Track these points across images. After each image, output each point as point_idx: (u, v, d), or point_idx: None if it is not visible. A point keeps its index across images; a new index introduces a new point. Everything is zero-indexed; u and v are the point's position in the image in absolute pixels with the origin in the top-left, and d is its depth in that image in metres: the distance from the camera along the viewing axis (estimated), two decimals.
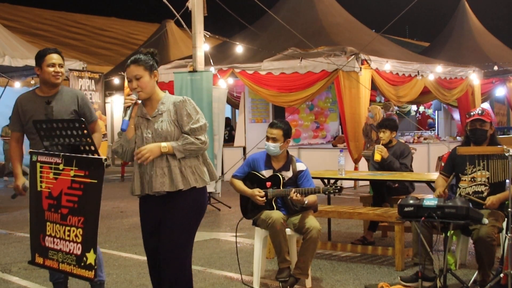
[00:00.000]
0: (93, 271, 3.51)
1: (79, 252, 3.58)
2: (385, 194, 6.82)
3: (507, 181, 4.94)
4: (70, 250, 3.62)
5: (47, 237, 3.77)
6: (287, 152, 5.23)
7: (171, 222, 3.77)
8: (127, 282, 5.35)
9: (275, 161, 5.18)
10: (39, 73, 4.38)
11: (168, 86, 12.82)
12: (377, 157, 6.78)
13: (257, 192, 5.01)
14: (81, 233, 3.58)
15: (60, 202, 3.70)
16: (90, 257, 3.52)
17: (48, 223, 3.76)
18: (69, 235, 3.63)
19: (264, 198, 5.01)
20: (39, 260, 3.84)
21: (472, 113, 5.13)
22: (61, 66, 4.38)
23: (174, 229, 3.76)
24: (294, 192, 4.87)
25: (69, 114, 4.38)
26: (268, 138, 5.12)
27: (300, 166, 5.19)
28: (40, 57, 4.38)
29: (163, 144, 3.67)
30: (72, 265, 3.61)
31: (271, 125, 5.15)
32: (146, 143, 3.73)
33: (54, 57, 4.36)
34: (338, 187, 4.96)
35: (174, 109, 3.74)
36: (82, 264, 3.56)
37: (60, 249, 3.69)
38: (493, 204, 4.91)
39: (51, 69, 4.33)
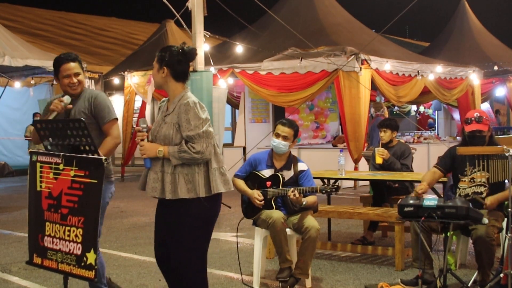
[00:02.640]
0: (93, 271, 3.51)
1: (79, 252, 3.57)
2: (385, 194, 6.82)
3: (506, 181, 4.94)
4: (70, 250, 3.62)
5: (46, 237, 3.76)
6: (289, 152, 5.25)
7: (176, 235, 3.66)
8: (127, 282, 5.35)
9: (277, 160, 5.19)
10: (58, 83, 4.26)
11: None
12: (379, 160, 6.77)
13: (256, 195, 5.01)
14: (81, 233, 3.58)
15: (60, 202, 3.70)
16: (91, 257, 3.52)
17: (47, 223, 3.75)
18: (69, 235, 3.63)
19: (262, 202, 5.01)
20: (37, 260, 3.83)
21: (470, 120, 5.10)
22: (77, 74, 4.21)
23: (179, 244, 3.66)
24: (292, 192, 4.88)
25: (83, 116, 4.21)
26: (278, 136, 5.12)
27: (301, 166, 5.20)
28: (56, 68, 4.24)
29: (160, 148, 3.61)
30: (72, 265, 3.61)
31: (283, 124, 5.15)
32: (156, 142, 3.70)
33: (68, 67, 4.19)
34: (336, 186, 4.97)
35: (178, 111, 3.64)
36: (82, 264, 3.55)
37: (59, 249, 3.68)
38: (492, 204, 4.92)
39: (67, 80, 4.20)
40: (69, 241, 3.62)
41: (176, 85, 3.75)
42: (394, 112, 17.51)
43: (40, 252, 3.80)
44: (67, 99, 4.18)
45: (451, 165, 5.24)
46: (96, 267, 3.51)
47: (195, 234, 3.68)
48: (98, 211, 3.58)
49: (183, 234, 3.66)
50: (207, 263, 3.83)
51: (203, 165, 3.64)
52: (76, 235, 3.59)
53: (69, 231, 3.63)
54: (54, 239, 3.71)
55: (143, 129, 3.72)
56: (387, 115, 11.95)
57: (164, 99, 3.94)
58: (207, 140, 3.60)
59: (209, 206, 3.68)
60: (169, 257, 3.73)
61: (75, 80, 4.21)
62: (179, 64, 3.71)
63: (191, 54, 3.74)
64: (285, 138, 5.09)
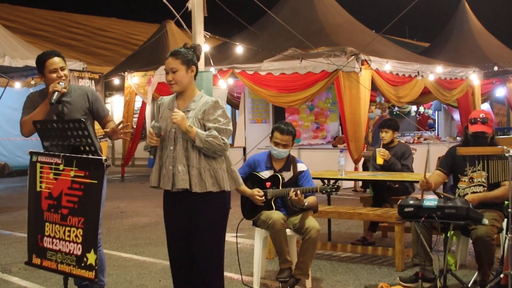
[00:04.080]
0: (94, 271, 3.51)
1: (79, 253, 3.58)
2: (385, 194, 6.82)
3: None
4: (70, 250, 3.62)
5: (45, 238, 3.76)
6: (289, 153, 5.25)
7: (200, 229, 3.71)
8: (127, 283, 5.35)
9: (276, 162, 5.19)
10: (43, 80, 4.20)
11: (168, 87, 12.80)
12: (380, 161, 6.77)
13: (256, 192, 5.02)
14: (81, 233, 3.58)
15: (60, 203, 3.70)
16: (91, 258, 3.53)
17: (47, 224, 3.76)
18: (69, 236, 3.63)
19: (263, 198, 5.01)
20: (36, 261, 3.83)
21: (475, 120, 5.09)
22: (63, 69, 4.19)
23: (204, 238, 3.72)
24: (293, 192, 4.88)
25: (81, 113, 4.22)
26: (277, 144, 5.09)
27: (300, 167, 5.20)
28: (40, 64, 4.19)
29: (190, 126, 3.62)
30: (72, 266, 3.61)
31: (281, 131, 5.08)
32: (169, 137, 3.72)
33: (53, 62, 4.16)
34: (336, 186, 4.97)
35: (203, 109, 3.71)
36: (83, 264, 3.56)
37: (59, 249, 3.69)
38: (473, 199, 4.88)
39: (54, 75, 4.15)
40: (69, 242, 3.63)
41: (194, 84, 3.87)
42: (394, 113, 17.51)
43: (40, 252, 3.80)
44: (62, 83, 4.13)
45: (452, 164, 5.25)
46: (96, 267, 3.52)
47: (216, 227, 3.76)
48: (98, 212, 3.59)
49: (205, 227, 3.71)
50: (224, 260, 3.87)
51: (224, 162, 3.76)
52: (76, 236, 3.60)
53: (69, 231, 3.64)
54: (54, 240, 3.72)
55: (155, 134, 3.71)
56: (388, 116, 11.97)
57: (163, 97, 3.97)
58: (229, 138, 3.77)
59: (226, 201, 3.81)
60: (188, 252, 3.76)
61: (61, 73, 4.17)
62: (197, 62, 3.86)
63: (200, 51, 3.90)
64: (285, 146, 5.10)
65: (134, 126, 15.31)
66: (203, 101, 3.76)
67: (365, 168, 11.00)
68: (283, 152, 5.11)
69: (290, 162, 5.21)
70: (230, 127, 3.75)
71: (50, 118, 4.16)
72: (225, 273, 5.51)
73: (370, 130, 11.24)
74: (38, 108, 4.14)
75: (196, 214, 3.72)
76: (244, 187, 5.15)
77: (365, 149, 11.41)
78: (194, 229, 3.73)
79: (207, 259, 3.73)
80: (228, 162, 3.79)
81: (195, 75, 3.85)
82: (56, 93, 4.06)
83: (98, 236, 3.60)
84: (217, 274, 3.79)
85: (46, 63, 4.18)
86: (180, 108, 3.77)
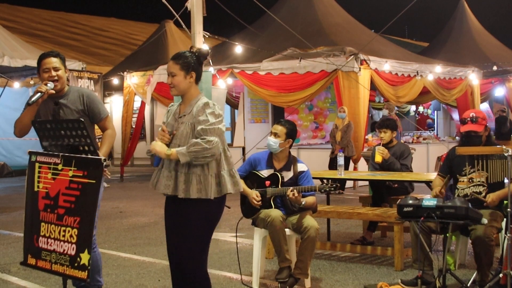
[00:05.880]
0: (86, 271, 3.50)
1: (73, 253, 3.56)
2: (384, 194, 6.82)
3: (506, 180, 4.94)
4: (64, 250, 3.61)
5: (41, 238, 3.75)
6: (289, 152, 5.25)
7: (182, 233, 3.72)
8: (126, 282, 5.35)
9: (276, 161, 5.20)
10: (40, 79, 4.27)
11: (167, 87, 12.82)
12: (378, 158, 6.76)
13: (254, 195, 5.02)
14: (76, 233, 3.57)
15: (57, 202, 3.69)
16: (84, 258, 3.51)
17: (42, 224, 3.74)
18: (64, 235, 3.62)
19: (260, 202, 5.02)
20: (32, 261, 3.81)
21: (465, 120, 5.12)
22: (57, 69, 4.21)
23: (183, 242, 3.71)
24: (291, 191, 4.88)
25: (76, 115, 4.22)
26: (271, 133, 5.18)
27: (301, 167, 5.20)
28: (38, 63, 4.28)
29: (168, 151, 3.63)
30: (65, 266, 3.59)
31: (277, 122, 5.23)
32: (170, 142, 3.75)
33: (48, 62, 4.21)
34: (334, 185, 4.97)
35: (196, 111, 3.70)
36: (76, 264, 3.54)
37: (54, 249, 3.67)
38: (493, 201, 4.90)
39: (46, 75, 4.19)
40: (64, 242, 3.61)
41: (195, 88, 3.84)
42: (394, 112, 17.52)
43: (35, 252, 3.79)
44: (50, 84, 4.16)
45: (450, 167, 5.25)
46: (89, 267, 3.50)
47: (199, 233, 3.73)
48: (95, 212, 3.58)
49: (188, 232, 3.70)
50: (207, 260, 3.86)
51: (215, 167, 3.69)
52: (71, 235, 3.59)
53: (64, 231, 3.62)
54: (49, 240, 3.70)
55: (169, 133, 3.74)
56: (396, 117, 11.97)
57: (173, 103, 4.01)
58: (219, 137, 3.67)
59: (216, 207, 3.76)
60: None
61: (54, 73, 4.20)
62: (200, 67, 3.83)
63: (205, 55, 3.90)
64: (275, 135, 5.12)
65: (133, 126, 15.31)
66: (198, 104, 3.74)
67: (332, 167, 10.92)
68: (272, 141, 5.12)
69: (290, 161, 5.21)
70: (220, 126, 3.68)
71: (47, 119, 4.18)
72: (225, 273, 5.54)
73: (339, 130, 11.21)
74: (26, 110, 4.18)
75: (179, 218, 3.73)
76: (243, 186, 5.15)
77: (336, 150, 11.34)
78: (175, 232, 3.75)
79: (187, 262, 3.72)
80: (219, 168, 3.71)
81: (198, 79, 3.82)
82: (38, 94, 4.06)
83: (93, 236, 3.60)
84: (195, 276, 3.75)
85: (41, 62, 4.24)
86: (181, 112, 3.80)
